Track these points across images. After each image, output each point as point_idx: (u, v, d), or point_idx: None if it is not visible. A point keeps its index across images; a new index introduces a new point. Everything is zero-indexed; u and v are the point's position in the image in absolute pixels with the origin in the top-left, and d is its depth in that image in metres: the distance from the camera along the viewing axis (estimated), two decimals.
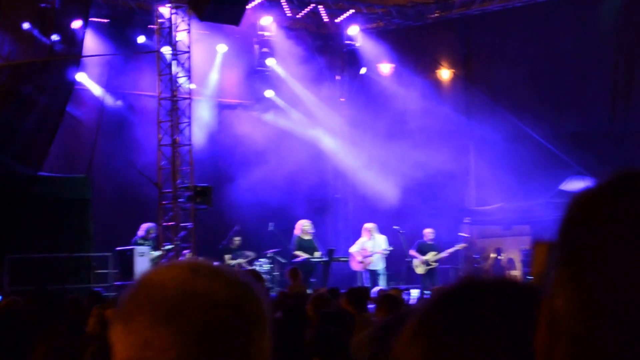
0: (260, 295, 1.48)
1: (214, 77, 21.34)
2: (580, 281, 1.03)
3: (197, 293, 1.42)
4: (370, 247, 18.62)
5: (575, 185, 19.10)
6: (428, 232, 18.92)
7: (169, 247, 17.31)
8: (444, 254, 18.76)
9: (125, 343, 1.43)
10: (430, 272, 18.62)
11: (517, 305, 1.24)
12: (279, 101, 22.34)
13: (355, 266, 18.76)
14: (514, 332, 1.21)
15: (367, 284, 17.81)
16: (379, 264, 18.67)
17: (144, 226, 17.10)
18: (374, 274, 18.61)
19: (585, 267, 1.03)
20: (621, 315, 1.00)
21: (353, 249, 18.90)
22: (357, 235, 19.56)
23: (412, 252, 18.78)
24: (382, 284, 18.02)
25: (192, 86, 18.04)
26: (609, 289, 1.01)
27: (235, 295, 1.45)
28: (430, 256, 18.65)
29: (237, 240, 19.36)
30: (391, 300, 8.02)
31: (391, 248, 18.62)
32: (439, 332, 1.24)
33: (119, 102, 18.85)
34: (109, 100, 18.81)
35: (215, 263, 1.54)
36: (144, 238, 17.10)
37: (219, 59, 21.25)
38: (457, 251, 19.78)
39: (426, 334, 1.25)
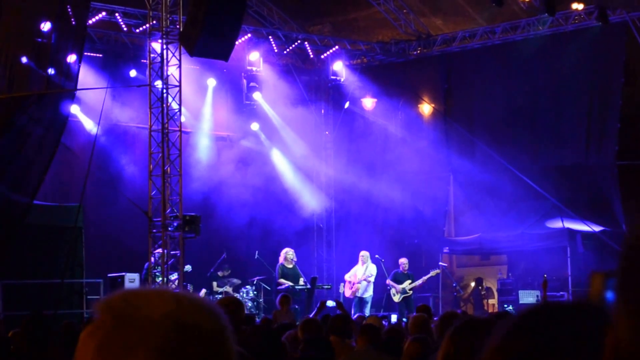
0: (229, 324, 1.48)
1: (203, 110, 21.77)
2: (637, 316, 1.11)
3: (186, 325, 1.41)
4: (360, 275, 19.18)
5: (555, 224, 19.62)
6: (403, 262, 19.47)
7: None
8: (418, 282, 19.32)
9: None
10: (406, 300, 19.17)
11: (589, 329, 1.29)
12: (266, 134, 22.78)
13: (346, 293, 19.29)
14: (586, 355, 1.27)
15: (353, 311, 18.30)
16: (366, 292, 19.20)
17: (158, 252, 17.42)
18: (361, 301, 19.12)
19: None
20: None
21: (346, 276, 19.48)
22: (341, 264, 20.07)
23: (389, 282, 19.35)
24: (366, 311, 18.53)
25: (183, 119, 18.45)
26: None
27: (216, 325, 1.45)
28: (406, 285, 19.23)
29: (224, 268, 19.81)
30: (371, 329, 8.27)
31: (371, 278, 19.13)
32: (516, 354, 1.30)
33: (101, 135, 19.13)
34: (102, 131, 19.21)
35: (183, 291, 1.56)
36: (157, 264, 17.50)
37: (209, 93, 21.73)
38: (437, 280, 20.29)
39: (506, 355, 1.31)
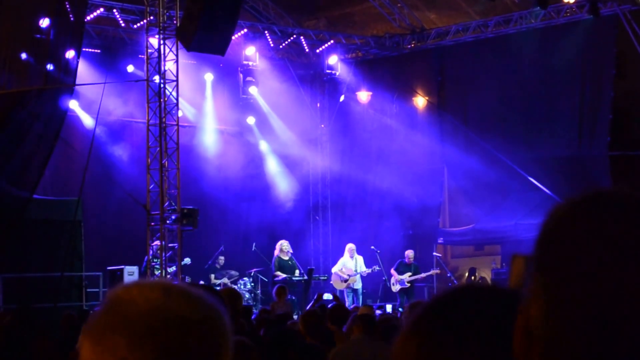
0: (225, 314, 1.52)
1: (202, 104, 21.95)
2: (551, 290, 1.10)
3: (170, 313, 1.46)
4: (352, 267, 19.43)
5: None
6: (408, 254, 19.75)
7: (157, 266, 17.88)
8: (418, 277, 19.60)
9: None
10: (405, 291, 19.46)
11: (503, 311, 1.30)
12: (262, 127, 22.97)
13: (338, 285, 19.52)
14: (499, 336, 1.27)
15: (347, 302, 18.59)
16: (359, 283, 19.49)
17: (156, 245, 17.60)
18: (355, 292, 19.40)
19: (555, 277, 1.10)
20: (584, 320, 1.08)
21: (335, 269, 19.68)
22: (337, 255, 20.28)
23: (392, 271, 19.63)
24: (361, 302, 18.84)
25: (180, 113, 18.64)
26: (574, 297, 1.08)
27: (205, 315, 1.48)
28: (406, 276, 19.51)
29: (221, 260, 20.03)
30: (366, 319, 8.43)
31: (369, 270, 19.40)
32: (430, 334, 1.31)
33: (100, 129, 19.23)
34: (100, 126, 19.40)
35: (178, 282, 1.61)
36: (155, 256, 17.68)
37: (208, 87, 21.90)
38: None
39: (419, 335, 1.32)
